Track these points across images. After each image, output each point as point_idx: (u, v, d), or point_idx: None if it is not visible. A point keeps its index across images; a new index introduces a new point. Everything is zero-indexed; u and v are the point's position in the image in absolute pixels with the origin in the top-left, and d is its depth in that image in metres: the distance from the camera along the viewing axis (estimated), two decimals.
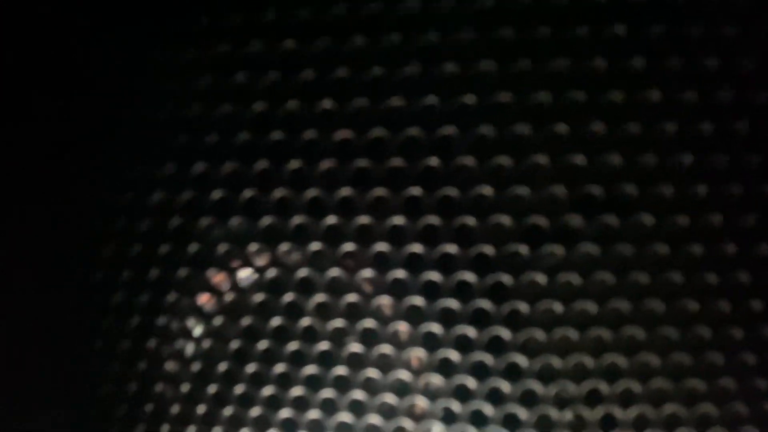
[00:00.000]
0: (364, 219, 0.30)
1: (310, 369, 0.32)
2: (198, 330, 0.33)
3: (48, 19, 0.31)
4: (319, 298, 0.31)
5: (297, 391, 0.32)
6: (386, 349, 0.31)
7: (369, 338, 0.31)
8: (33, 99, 0.32)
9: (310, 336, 0.32)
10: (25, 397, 0.34)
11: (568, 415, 0.30)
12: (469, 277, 0.30)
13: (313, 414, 0.32)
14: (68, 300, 0.33)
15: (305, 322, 0.31)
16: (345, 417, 0.32)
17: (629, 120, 0.29)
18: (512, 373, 0.31)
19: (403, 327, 0.31)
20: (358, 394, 0.32)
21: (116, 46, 0.31)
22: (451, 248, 0.30)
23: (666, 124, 0.29)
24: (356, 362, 0.32)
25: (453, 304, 0.30)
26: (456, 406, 0.31)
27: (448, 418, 0.31)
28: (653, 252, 0.29)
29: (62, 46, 0.31)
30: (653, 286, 0.30)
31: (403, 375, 0.31)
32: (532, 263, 0.30)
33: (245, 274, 0.32)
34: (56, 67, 0.31)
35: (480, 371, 0.31)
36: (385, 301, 0.31)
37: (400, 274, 0.31)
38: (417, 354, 0.31)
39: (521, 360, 0.30)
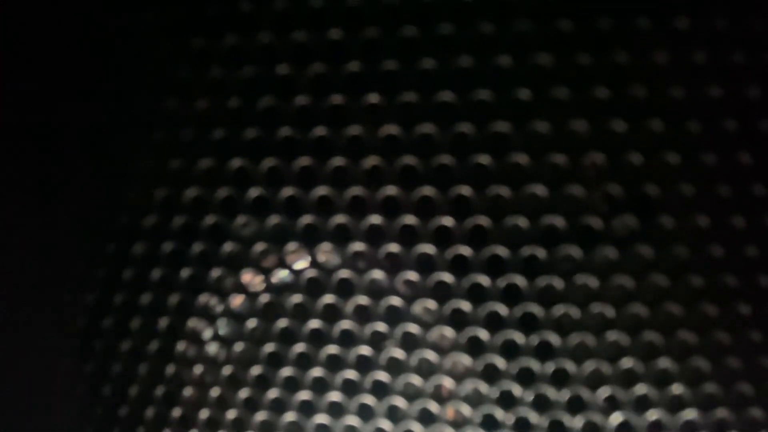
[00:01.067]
0: (409, 219, 0.29)
1: (348, 374, 0.31)
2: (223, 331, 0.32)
3: None
4: (359, 300, 0.30)
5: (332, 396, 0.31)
6: (428, 354, 0.30)
7: (410, 343, 0.30)
8: (64, 87, 0.30)
9: (348, 340, 0.30)
10: (48, 399, 0.33)
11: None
12: (519, 280, 0.29)
13: (350, 420, 0.31)
14: (95, 298, 0.32)
15: (344, 325, 0.30)
16: (383, 424, 0.31)
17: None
18: (560, 379, 0.30)
19: (446, 332, 0.30)
20: (397, 401, 0.30)
21: (150, 30, 0.29)
22: (501, 250, 0.29)
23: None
24: (395, 367, 0.30)
25: (500, 308, 0.29)
26: (499, 413, 0.30)
27: (490, 425, 0.30)
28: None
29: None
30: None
31: (445, 381, 0.30)
32: (583, 266, 0.29)
33: (281, 275, 0.31)
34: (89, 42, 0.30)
35: (526, 377, 0.30)
36: (427, 305, 0.30)
37: (444, 276, 0.29)
38: (460, 360, 0.30)
39: (569, 366, 0.29)
